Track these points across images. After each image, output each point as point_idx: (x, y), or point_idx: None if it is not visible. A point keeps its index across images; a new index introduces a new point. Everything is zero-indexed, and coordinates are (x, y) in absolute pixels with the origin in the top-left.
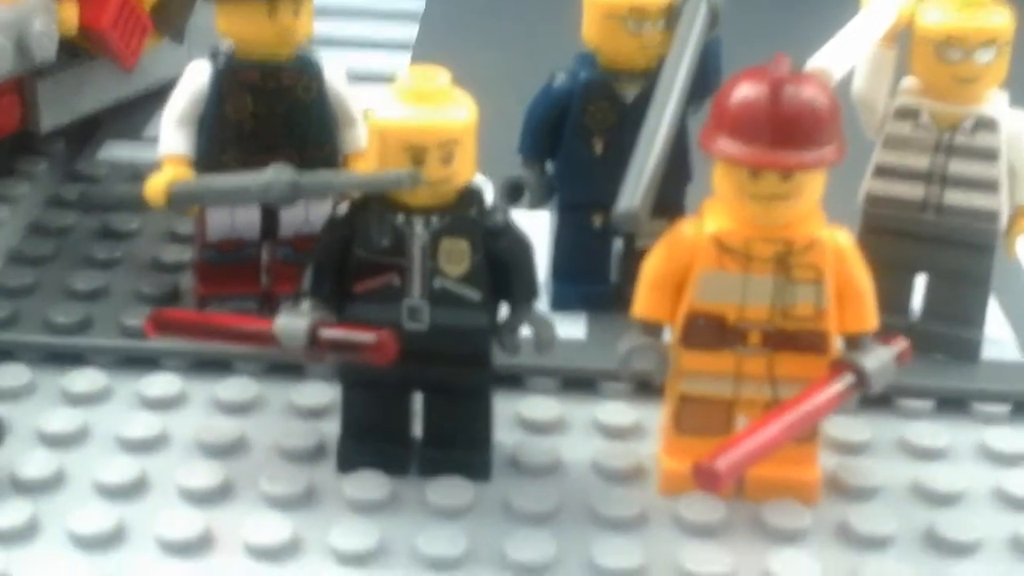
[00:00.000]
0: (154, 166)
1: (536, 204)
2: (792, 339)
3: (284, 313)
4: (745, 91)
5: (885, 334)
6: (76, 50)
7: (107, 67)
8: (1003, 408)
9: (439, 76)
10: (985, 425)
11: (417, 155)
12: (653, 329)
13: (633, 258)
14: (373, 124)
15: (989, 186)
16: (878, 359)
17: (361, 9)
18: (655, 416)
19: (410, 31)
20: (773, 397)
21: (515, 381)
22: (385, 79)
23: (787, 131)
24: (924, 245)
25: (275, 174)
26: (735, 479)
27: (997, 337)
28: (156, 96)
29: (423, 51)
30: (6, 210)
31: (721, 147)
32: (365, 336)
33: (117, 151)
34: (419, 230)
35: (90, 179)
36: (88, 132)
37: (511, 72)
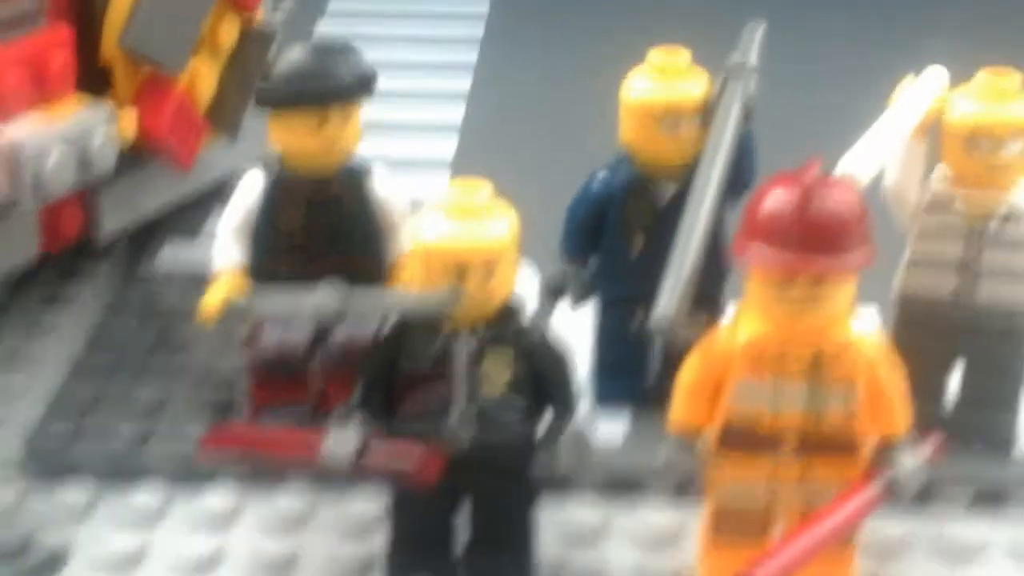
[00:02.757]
0: (211, 272)
1: (578, 301)
2: (826, 443)
3: (332, 433)
4: (776, 197)
5: (920, 425)
6: (134, 154)
7: (164, 169)
8: None
9: (481, 191)
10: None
11: (460, 272)
12: (691, 435)
13: (674, 352)
14: (417, 242)
15: (1022, 276)
16: (910, 462)
17: (406, 91)
18: (696, 517)
19: (456, 113)
20: (808, 501)
21: (557, 484)
22: (431, 164)
23: (818, 237)
24: (958, 335)
25: (327, 296)
26: None
27: None
28: (212, 194)
29: (467, 137)
30: (68, 315)
31: (753, 254)
32: (406, 463)
33: (176, 251)
34: (463, 345)
35: (150, 282)
36: (148, 231)
37: (552, 161)
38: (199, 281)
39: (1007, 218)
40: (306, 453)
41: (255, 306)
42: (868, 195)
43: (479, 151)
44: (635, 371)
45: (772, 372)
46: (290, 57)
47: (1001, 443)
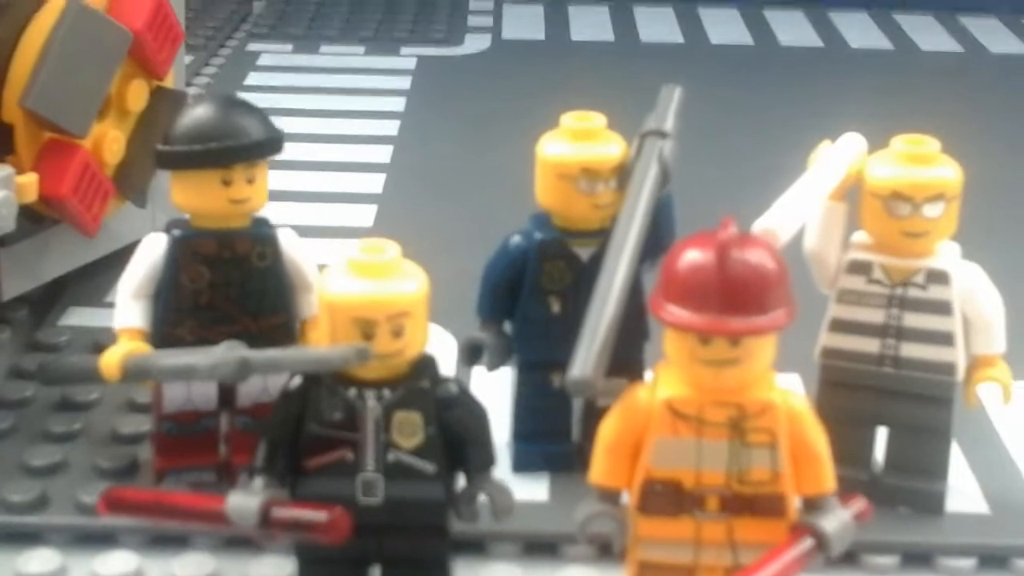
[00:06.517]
0: (114, 336)
1: (495, 364)
2: (750, 503)
3: (236, 492)
4: (692, 257)
5: (846, 489)
6: (37, 216)
7: (69, 232)
8: (969, 562)
9: (388, 249)
10: None
11: (367, 329)
12: (611, 495)
13: (594, 417)
14: (322, 298)
15: (944, 339)
16: (837, 520)
17: (326, 162)
18: None
19: (376, 184)
20: (734, 562)
21: (476, 547)
22: (351, 232)
23: (735, 297)
24: (883, 398)
25: (224, 353)
26: None
27: (961, 488)
28: (119, 260)
29: (387, 205)
30: None
31: (670, 314)
32: (317, 515)
33: (80, 317)
34: (372, 404)
35: (51, 348)
36: (52, 296)
37: (469, 230)
38: (101, 345)
39: (927, 281)
40: (208, 517)
41: (154, 364)
42: (788, 254)
43: (397, 218)
44: (554, 437)
45: (693, 430)
46: (191, 116)
47: (930, 510)
